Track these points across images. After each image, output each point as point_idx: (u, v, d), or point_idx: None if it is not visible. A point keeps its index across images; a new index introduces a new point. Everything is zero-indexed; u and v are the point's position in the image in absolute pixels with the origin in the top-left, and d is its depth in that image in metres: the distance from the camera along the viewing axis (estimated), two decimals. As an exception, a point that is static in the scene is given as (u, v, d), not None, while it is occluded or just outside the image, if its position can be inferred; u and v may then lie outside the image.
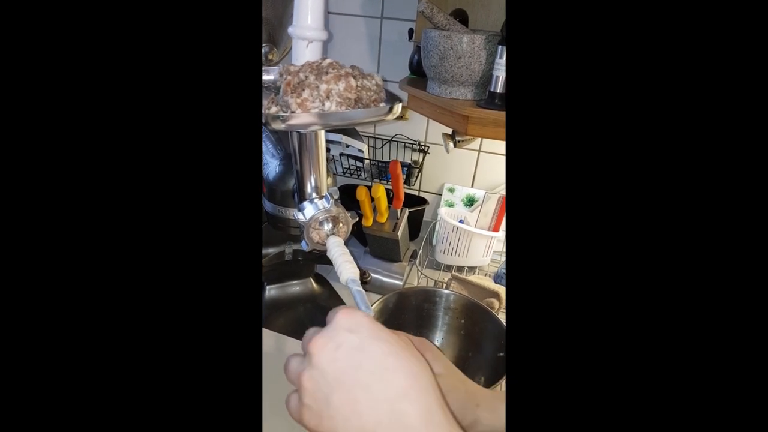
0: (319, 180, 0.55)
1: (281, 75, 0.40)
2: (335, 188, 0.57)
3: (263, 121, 0.39)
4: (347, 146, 0.97)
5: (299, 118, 0.38)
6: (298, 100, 0.38)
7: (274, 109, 0.40)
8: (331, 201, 0.53)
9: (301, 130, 0.45)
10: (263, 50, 0.64)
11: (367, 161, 1.00)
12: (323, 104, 0.38)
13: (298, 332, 0.70)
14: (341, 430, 0.27)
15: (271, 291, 0.84)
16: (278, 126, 0.38)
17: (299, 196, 0.56)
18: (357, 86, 0.39)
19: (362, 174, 1.05)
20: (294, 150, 0.53)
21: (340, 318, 0.30)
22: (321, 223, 0.52)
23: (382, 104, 0.41)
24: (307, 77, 0.39)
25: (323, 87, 0.38)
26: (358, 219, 0.68)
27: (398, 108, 0.40)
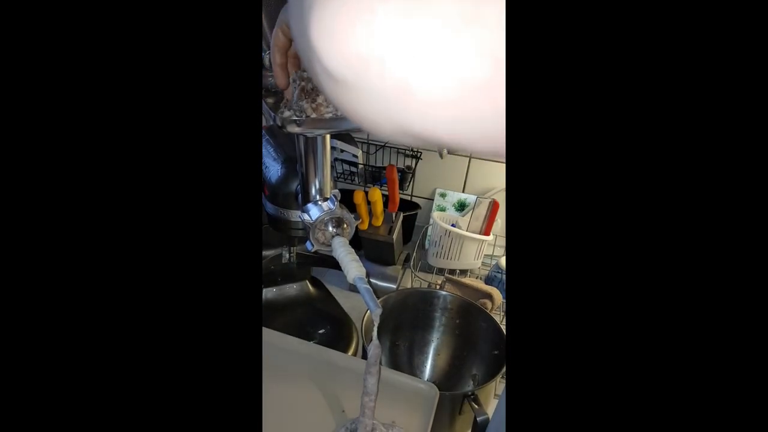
0: (324, 182, 0.56)
1: (294, 81, 0.42)
2: (337, 191, 0.58)
3: (279, 124, 0.40)
4: (342, 151, 0.99)
5: (314, 122, 0.40)
6: (313, 105, 0.40)
7: (287, 113, 0.41)
8: (335, 203, 0.54)
9: (312, 134, 0.47)
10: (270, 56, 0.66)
11: (361, 166, 1.02)
12: (337, 109, 0.40)
13: (294, 335, 0.71)
14: None
15: (267, 294, 0.85)
16: (293, 129, 0.40)
17: (303, 198, 0.58)
18: (368, 92, 0.41)
19: (356, 179, 1.06)
20: (300, 153, 0.54)
21: None
22: (326, 224, 0.54)
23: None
24: (321, 83, 0.40)
25: (337, 92, 0.40)
26: (360, 221, 0.69)
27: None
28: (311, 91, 0.41)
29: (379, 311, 0.43)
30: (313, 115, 0.40)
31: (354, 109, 0.19)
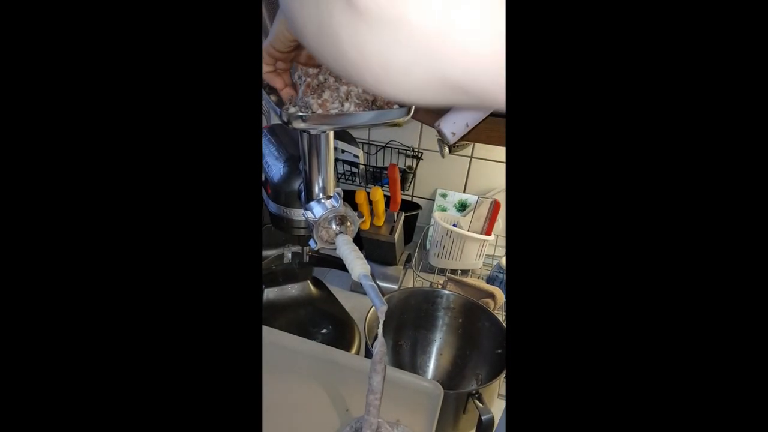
0: (327, 180, 0.56)
1: (300, 77, 0.42)
2: (340, 189, 0.58)
3: (284, 120, 0.40)
4: (343, 152, 0.99)
5: (320, 118, 0.40)
6: (319, 101, 0.39)
7: (293, 110, 0.41)
8: (339, 201, 0.54)
9: (317, 130, 0.47)
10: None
11: (362, 167, 1.02)
12: (342, 105, 0.40)
13: (296, 335, 0.71)
14: None
15: (268, 294, 0.85)
16: (299, 125, 0.40)
17: (307, 197, 0.58)
18: (374, 88, 0.41)
19: (357, 179, 1.06)
20: (303, 151, 0.54)
21: None
22: (330, 222, 0.54)
23: (395, 106, 0.43)
24: (326, 79, 0.40)
25: (343, 89, 0.40)
26: (363, 220, 0.69)
27: (413, 109, 0.42)
28: (317, 87, 0.41)
29: (384, 308, 0.43)
30: (319, 111, 0.40)
31: (381, 53, 0.17)
